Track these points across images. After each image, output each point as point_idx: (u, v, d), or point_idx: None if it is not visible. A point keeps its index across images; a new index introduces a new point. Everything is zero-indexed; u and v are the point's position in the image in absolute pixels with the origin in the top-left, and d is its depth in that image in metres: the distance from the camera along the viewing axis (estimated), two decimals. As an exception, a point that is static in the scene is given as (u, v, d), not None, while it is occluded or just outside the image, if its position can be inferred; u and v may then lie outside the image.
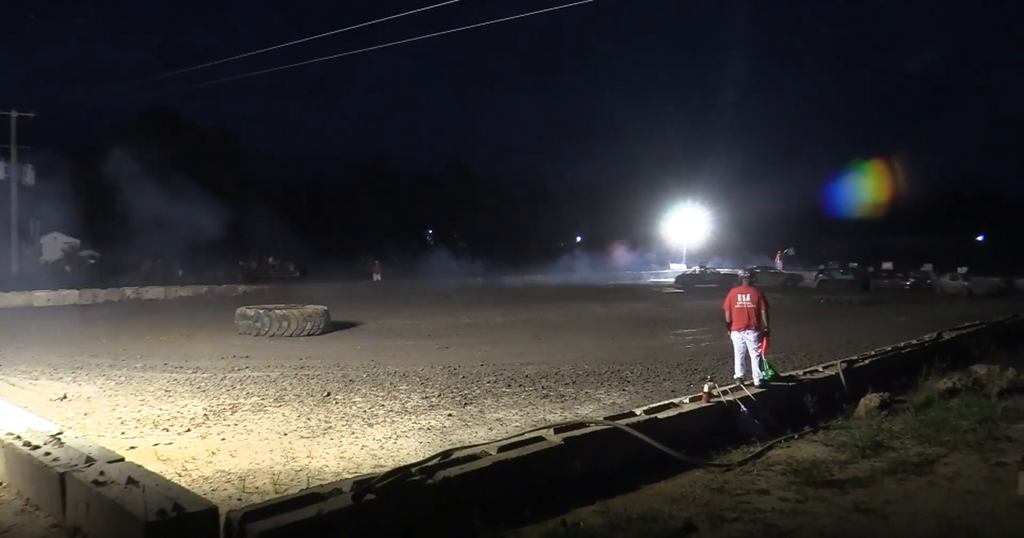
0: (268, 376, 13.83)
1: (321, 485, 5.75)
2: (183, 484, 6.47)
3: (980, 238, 61.40)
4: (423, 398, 11.87)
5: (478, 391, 12.43)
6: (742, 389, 9.71)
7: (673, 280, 46.64)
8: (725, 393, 9.31)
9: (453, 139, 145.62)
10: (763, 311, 10.73)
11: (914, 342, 14.41)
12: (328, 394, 12.11)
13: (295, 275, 45.42)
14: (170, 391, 12.46)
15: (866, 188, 66.57)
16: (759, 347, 10.56)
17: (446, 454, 6.30)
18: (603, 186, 70.20)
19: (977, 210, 63.32)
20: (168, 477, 6.37)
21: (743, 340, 10.72)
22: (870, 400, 10.15)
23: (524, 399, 11.79)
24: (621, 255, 59.65)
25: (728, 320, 11.02)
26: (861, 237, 60.91)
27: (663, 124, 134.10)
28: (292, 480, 7.43)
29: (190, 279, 39.79)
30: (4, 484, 6.82)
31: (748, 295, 10.78)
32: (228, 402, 11.56)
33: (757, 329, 10.61)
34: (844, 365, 11.45)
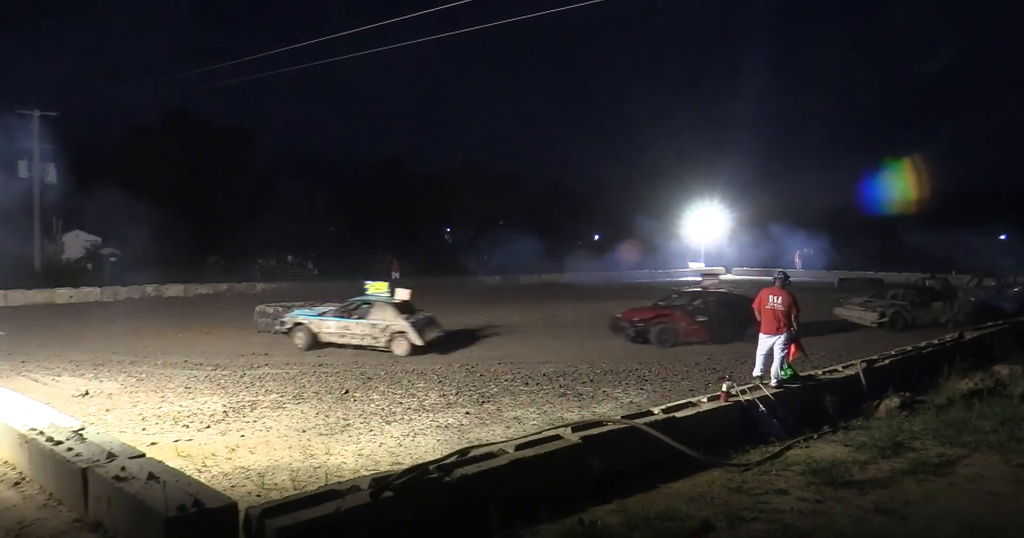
0: (287, 373, 13.91)
1: (339, 482, 5.78)
2: (203, 480, 6.53)
3: (1003, 237, 60.58)
4: (440, 396, 11.90)
5: (495, 389, 12.45)
6: (761, 388, 9.64)
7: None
8: (744, 392, 9.25)
9: (470, 138, 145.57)
10: (794, 315, 10.50)
11: (935, 342, 14.26)
12: (346, 392, 12.18)
13: (313, 273, 45.61)
14: (190, 388, 12.57)
15: (890, 186, 65.97)
16: (786, 349, 10.38)
17: (463, 452, 6.31)
18: (621, 185, 70.03)
19: (999, 208, 62.45)
20: (188, 473, 6.44)
21: (771, 343, 10.51)
22: (890, 400, 10.07)
23: (541, 397, 11.79)
24: (639, 254, 59.42)
25: (757, 320, 10.87)
26: (884, 236, 60.25)
27: (682, 123, 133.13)
28: (310, 477, 7.48)
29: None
30: (27, 479, 6.90)
31: (780, 298, 10.54)
32: (247, 399, 11.65)
33: (787, 333, 10.42)
34: (864, 365, 11.32)
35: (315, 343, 17.39)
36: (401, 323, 16.76)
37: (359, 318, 17.32)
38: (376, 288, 19.18)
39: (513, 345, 18.08)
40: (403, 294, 18.39)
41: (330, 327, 17.42)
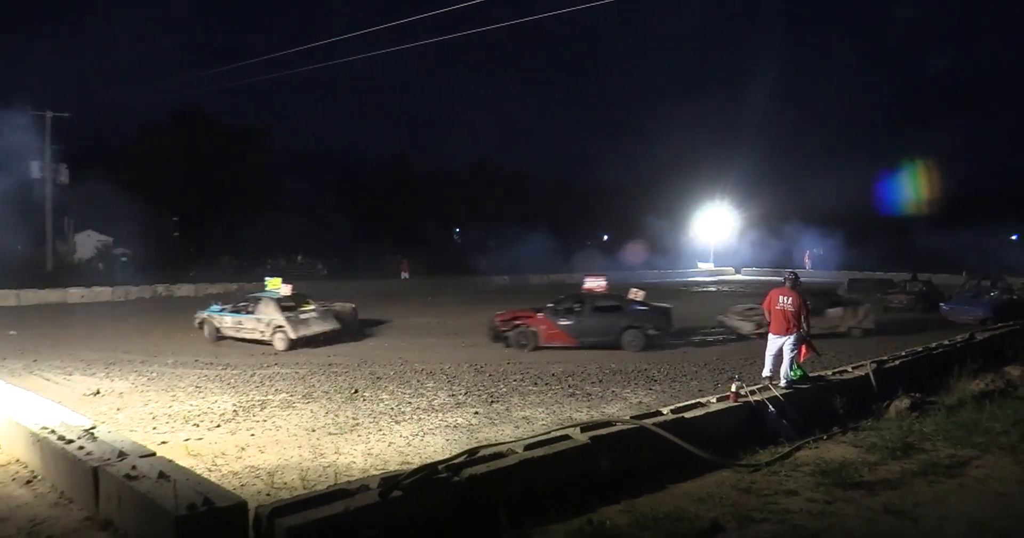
0: (297, 373, 13.96)
1: (348, 481, 5.79)
2: (213, 479, 6.56)
3: (1014, 237, 60.20)
4: (450, 396, 11.91)
5: (504, 389, 12.46)
6: (770, 389, 9.61)
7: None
8: (753, 393, 9.22)
9: (480, 137, 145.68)
10: (804, 316, 10.44)
11: (945, 342, 14.18)
12: (356, 391, 12.20)
13: (323, 273, 45.77)
14: (200, 387, 12.63)
15: (901, 187, 65.66)
16: (795, 350, 10.31)
17: (472, 452, 6.32)
18: (630, 185, 69.96)
19: (1010, 208, 61.95)
20: (198, 472, 6.46)
21: (780, 344, 10.44)
22: (900, 401, 10.01)
23: (550, 397, 11.79)
24: (648, 254, 59.27)
25: (767, 320, 10.82)
26: (896, 236, 59.95)
27: (691, 123, 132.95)
28: (320, 476, 7.50)
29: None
30: (39, 477, 6.94)
31: (790, 298, 10.44)
32: (257, 398, 11.69)
33: (797, 333, 10.35)
34: (874, 365, 11.26)
35: (219, 336, 18.45)
36: (279, 318, 17.49)
37: (248, 313, 18.14)
38: (273, 285, 20.38)
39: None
40: (285, 289, 19.45)
41: (227, 322, 18.43)
